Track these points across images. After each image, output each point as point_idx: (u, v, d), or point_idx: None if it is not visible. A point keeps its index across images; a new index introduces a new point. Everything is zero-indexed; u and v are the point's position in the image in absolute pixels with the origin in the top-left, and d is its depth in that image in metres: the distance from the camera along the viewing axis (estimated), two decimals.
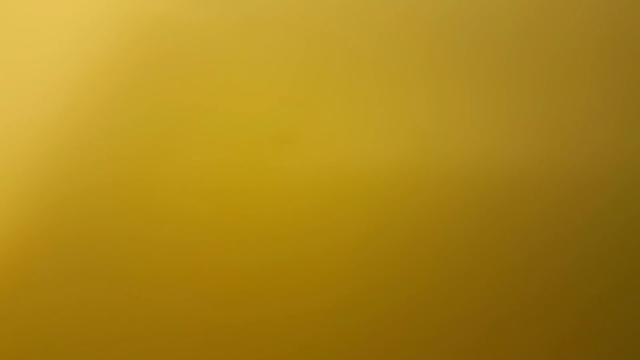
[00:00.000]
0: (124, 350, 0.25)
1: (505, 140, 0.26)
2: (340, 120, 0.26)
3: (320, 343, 0.25)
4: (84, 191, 0.26)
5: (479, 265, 0.26)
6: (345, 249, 0.25)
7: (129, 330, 0.25)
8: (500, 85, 0.26)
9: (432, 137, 0.26)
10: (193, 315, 0.25)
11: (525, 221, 0.26)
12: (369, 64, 0.26)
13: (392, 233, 0.26)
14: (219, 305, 0.25)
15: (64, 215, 0.25)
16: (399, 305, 0.26)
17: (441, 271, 0.26)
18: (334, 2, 0.26)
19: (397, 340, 0.26)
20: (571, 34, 0.27)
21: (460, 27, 0.26)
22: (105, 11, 0.26)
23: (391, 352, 0.25)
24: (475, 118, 0.26)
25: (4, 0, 0.26)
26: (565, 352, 0.26)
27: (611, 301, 0.26)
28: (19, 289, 0.25)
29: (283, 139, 0.26)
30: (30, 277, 0.25)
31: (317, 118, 0.26)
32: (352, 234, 0.26)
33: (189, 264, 0.25)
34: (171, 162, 0.26)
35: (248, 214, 0.25)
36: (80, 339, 0.25)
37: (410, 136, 0.26)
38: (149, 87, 0.26)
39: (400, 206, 0.26)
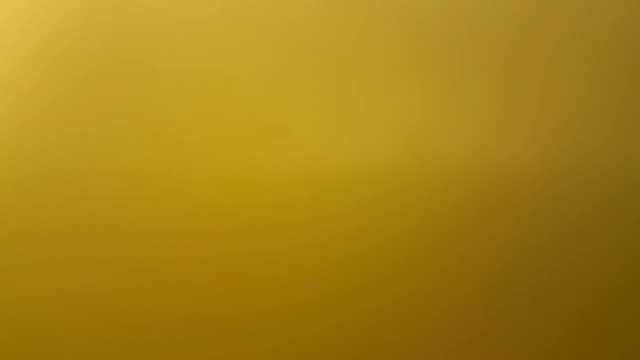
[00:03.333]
0: (114, 343, 0.25)
1: (501, 137, 0.26)
2: (332, 113, 0.26)
3: (310, 336, 0.25)
4: (73, 178, 0.25)
5: (472, 261, 0.26)
6: (336, 242, 0.25)
7: (120, 321, 0.26)
8: (497, 82, 0.26)
9: (425, 132, 0.26)
10: (185, 307, 0.25)
11: (521, 219, 0.26)
12: (362, 57, 0.26)
13: (383, 227, 0.25)
14: (209, 298, 0.25)
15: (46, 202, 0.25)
16: (390, 300, 0.25)
17: (434, 265, 0.26)
18: None
19: (387, 335, 0.25)
20: (569, 30, 0.26)
21: (458, 22, 0.26)
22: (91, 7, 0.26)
23: (379, 347, 0.25)
24: (470, 115, 0.26)
25: None
26: (562, 349, 0.26)
27: (611, 300, 0.26)
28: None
29: (273, 132, 0.25)
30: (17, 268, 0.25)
31: (308, 111, 0.26)
32: (342, 227, 0.25)
33: (178, 255, 0.25)
34: (160, 155, 0.26)
35: (237, 207, 0.25)
36: (67, 331, 0.25)
37: (403, 130, 0.26)
38: (138, 80, 0.26)
39: (392, 200, 0.26)
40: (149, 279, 0.25)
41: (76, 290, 0.25)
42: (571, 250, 0.26)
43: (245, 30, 0.26)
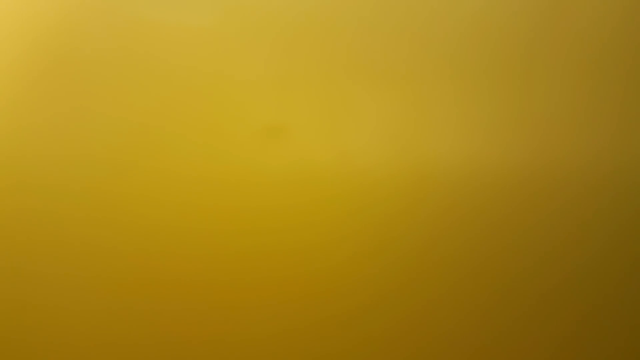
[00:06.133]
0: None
1: (501, 142, 0.26)
2: (330, 114, 0.26)
3: (304, 339, 0.25)
4: (67, 180, 0.25)
5: (470, 260, 0.25)
6: (333, 248, 0.25)
7: (114, 336, 0.25)
8: (498, 87, 0.26)
9: (426, 136, 0.26)
10: (180, 318, 0.25)
11: (526, 224, 0.26)
12: (360, 60, 0.26)
13: (382, 232, 0.25)
14: (207, 314, 0.25)
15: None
16: (384, 301, 0.25)
17: (433, 265, 0.25)
18: None
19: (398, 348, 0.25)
20: (571, 34, 0.26)
21: (458, 25, 0.26)
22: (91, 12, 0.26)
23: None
24: (472, 119, 0.26)
25: None
26: (569, 352, 0.25)
27: (615, 302, 0.26)
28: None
29: (269, 133, 0.25)
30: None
31: (306, 114, 0.26)
32: (340, 230, 0.25)
33: (172, 264, 0.25)
34: (158, 157, 0.25)
35: (232, 212, 0.25)
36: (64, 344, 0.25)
37: (400, 134, 0.26)
38: (134, 82, 0.26)
39: (391, 205, 0.25)
40: (144, 277, 0.25)
41: (69, 299, 0.25)
42: (575, 256, 0.26)
43: (242, 34, 0.26)
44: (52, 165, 0.26)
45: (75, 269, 0.25)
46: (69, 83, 0.26)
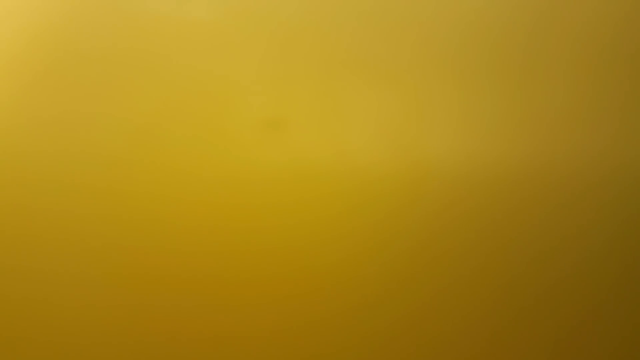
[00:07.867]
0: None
1: (502, 140, 0.26)
2: (329, 110, 0.25)
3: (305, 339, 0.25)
4: (64, 177, 0.25)
5: (474, 264, 0.25)
6: (330, 245, 0.25)
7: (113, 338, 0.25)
8: (499, 85, 0.26)
9: (426, 133, 0.26)
10: (175, 320, 0.25)
11: (526, 222, 0.26)
12: (362, 53, 0.26)
13: (381, 229, 0.25)
14: (205, 312, 0.25)
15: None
16: (383, 299, 0.25)
17: (431, 264, 0.25)
18: None
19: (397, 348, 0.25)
20: (572, 32, 0.26)
21: (459, 22, 0.26)
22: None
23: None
24: (472, 117, 0.26)
25: None
26: (569, 351, 0.25)
27: (615, 301, 0.26)
28: None
29: (267, 129, 0.25)
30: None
31: (304, 107, 0.25)
32: (338, 230, 0.25)
33: (169, 260, 0.25)
34: (155, 154, 0.25)
35: (228, 208, 0.25)
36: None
37: (403, 131, 0.26)
38: (130, 77, 0.26)
39: (390, 202, 0.25)
40: (140, 273, 0.25)
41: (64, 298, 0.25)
42: (575, 256, 0.26)
43: (240, 28, 0.26)
44: (52, 162, 0.26)
45: (73, 266, 0.25)
46: (67, 79, 0.26)
